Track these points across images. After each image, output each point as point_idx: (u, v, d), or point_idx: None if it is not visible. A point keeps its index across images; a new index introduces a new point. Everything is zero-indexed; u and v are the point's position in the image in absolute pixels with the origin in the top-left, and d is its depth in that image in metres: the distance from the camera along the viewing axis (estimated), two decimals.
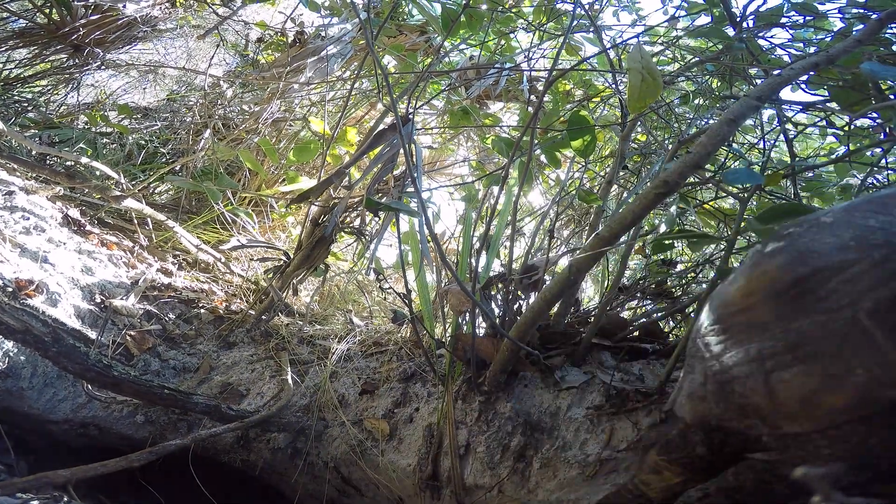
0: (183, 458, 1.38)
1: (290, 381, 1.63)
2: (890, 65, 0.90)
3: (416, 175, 1.14)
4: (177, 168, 2.56)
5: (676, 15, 1.85)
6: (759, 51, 1.41)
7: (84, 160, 2.16)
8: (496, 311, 1.45)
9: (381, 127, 1.45)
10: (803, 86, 1.35)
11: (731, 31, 1.40)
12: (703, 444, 0.63)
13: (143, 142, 2.79)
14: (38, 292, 1.57)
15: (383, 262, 2.70)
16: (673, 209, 1.27)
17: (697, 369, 0.62)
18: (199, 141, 2.57)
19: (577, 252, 1.00)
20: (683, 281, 1.70)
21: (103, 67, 3.12)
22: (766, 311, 0.54)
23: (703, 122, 1.58)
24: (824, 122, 1.55)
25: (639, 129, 1.84)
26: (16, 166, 2.19)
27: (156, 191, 2.89)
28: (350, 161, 1.51)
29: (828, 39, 1.43)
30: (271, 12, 3.50)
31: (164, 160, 2.73)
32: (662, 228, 1.27)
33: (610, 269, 1.93)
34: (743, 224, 0.93)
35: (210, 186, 2.10)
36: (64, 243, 1.87)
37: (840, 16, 1.37)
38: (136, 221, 2.28)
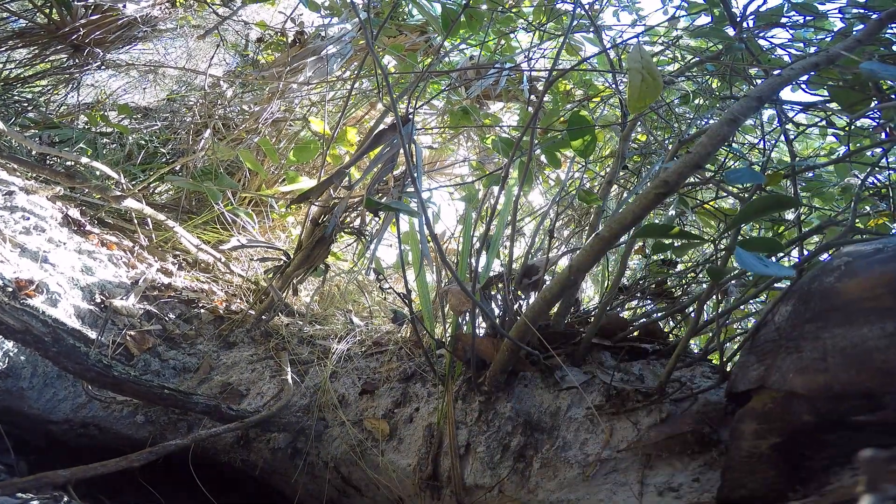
0: (183, 458, 1.38)
1: (290, 381, 1.63)
2: (890, 64, 0.90)
3: (416, 175, 1.14)
4: (177, 168, 2.56)
5: (676, 15, 1.85)
6: (759, 51, 1.41)
7: (84, 160, 2.16)
8: (496, 311, 1.45)
9: (381, 127, 1.45)
10: (803, 86, 1.35)
11: (731, 31, 1.40)
12: (809, 413, 0.75)
13: (143, 142, 2.79)
14: (38, 292, 1.57)
15: (383, 262, 2.70)
16: (671, 211, 1.27)
17: (808, 348, 0.75)
18: (199, 141, 2.57)
19: (577, 252, 1.00)
20: (683, 281, 1.70)
21: (103, 67, 3.12)
22: (890, 300, 0.71)
23: (703, 122, 1.58)
24: (824, 122, 1.55)
25: (639, 129, 1.84)
26: (16, 166, 2.19)
27: (156, 191, 2.89)
28: (350, 161, 1.51)
29: (828, 39, 1.43)
30: (271, 12, 3.50)
31: (164, 160, 2.73)
32: None
33: (610, 269, 1.93)
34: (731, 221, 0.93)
35: (210, 186, 2.10)
36: (64, 243, 1.87)
37: (840, 16, 1.37)
38: (136, 221, 2.29)
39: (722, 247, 1.14)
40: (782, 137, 1.38)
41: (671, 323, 1.60)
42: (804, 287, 0.84)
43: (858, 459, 0.49)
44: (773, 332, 0.85)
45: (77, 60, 2.96)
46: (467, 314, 1.40)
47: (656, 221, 1.89)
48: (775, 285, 1.12)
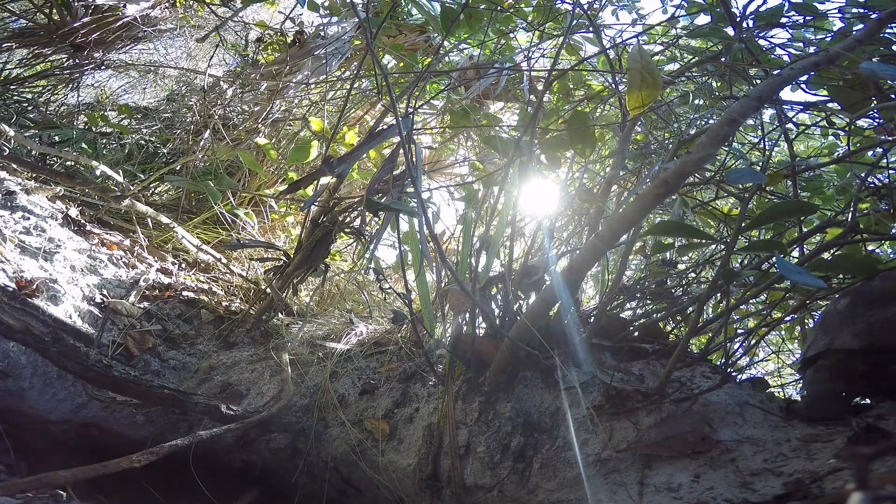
0: (183, 458, 1.38)
1: (289, 381, 1.63)
2: (890, 64, 0.90)
3: (415, 175, 1.14)
4: (177, 168, 2.56)
5: (676, 15, 1.85)
6: (759, 51, 1.41)
7: (84, 160, 2.16)
8: (496, 311, 1.45)
9: (381, 127, 1.45)
10: (803, 86, 1.35)
11: (731, 31, 1.40)
12: (863, 364, 1.02)
13: (143, 142, 2.79)
14: (39, 292, 1.57)
15: (383, 262, 2.70)
16: (676, 206, 1.27)
17: (860, 322, 1.03)
18: (199, 141, 2.57)
19: (577, 252, 1.00)
20: (683, 281, 1.70)
21: (103, 67, 3.12)
22: None
23: (703, 122, 1.58)
24: (825, 122, 1.55)
25: (639, 129, 1.84)
26: (16, 166, 2.19)
27: (156, 191, 2.89)
28: (346, 154, 1.51)
29: (828, 39, 1.43)
30: (271, 12, 3.50)
31: (163, 160, 2.73)
32: None
33: (610, 269, 1.93)
34: (744, 223, 0.93)
35: (210, 186, 2.10)
36: (64, 243, 1.87)
37: (840, 16, 1.37)
38: (136, 221, 2.29)
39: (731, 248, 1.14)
40: (782, 137, 1.38)
41: (671, 323, 1.60)
42: (858, 288, 1.10)
43: (842, 454, 0.49)
44: (835, 315, 1.09)
45: (77, 60, 2.97)
46: (467, 314, 1.40)
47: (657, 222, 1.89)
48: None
